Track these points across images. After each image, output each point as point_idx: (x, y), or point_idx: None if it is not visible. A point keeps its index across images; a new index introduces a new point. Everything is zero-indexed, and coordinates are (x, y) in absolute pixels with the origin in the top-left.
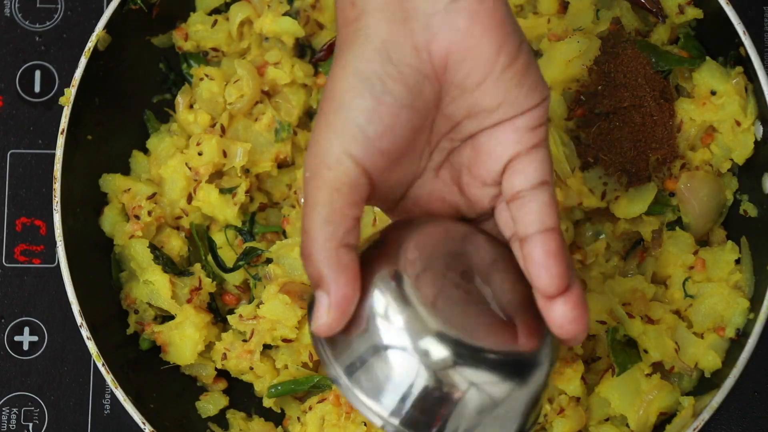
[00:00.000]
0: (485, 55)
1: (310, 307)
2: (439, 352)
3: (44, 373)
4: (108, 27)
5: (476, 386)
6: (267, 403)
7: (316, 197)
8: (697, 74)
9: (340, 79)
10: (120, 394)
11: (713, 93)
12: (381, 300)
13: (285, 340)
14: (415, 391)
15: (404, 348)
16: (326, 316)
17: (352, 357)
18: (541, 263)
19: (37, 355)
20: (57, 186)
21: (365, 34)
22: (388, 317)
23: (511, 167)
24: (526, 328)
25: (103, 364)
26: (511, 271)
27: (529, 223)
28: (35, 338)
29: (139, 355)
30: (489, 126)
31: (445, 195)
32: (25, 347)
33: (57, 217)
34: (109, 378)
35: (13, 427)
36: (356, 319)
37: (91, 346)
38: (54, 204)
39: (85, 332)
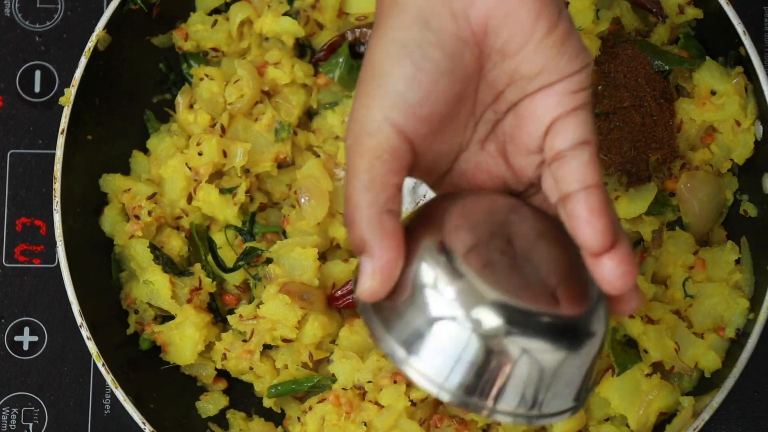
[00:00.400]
0: (523, 21)
1: (355, 279)
2: (491, 320)
3: (44, 373)
4: (108, 27)
5: (530, 353)
6: (267, 403)
7: (357, 165)
8: (697, 74)
9: (378, 48)
10: (120, 394)
11: (713, 93)
12: (428, 269)
13: (285, 340)
14: (470, 360)
15: (455, 317)
16: (370, 280)
17: (404, 329)
18: (584, 219)
19: (37, 355)
20: (57, 186)
21: (403, 3)
22: (437, 287)
23: (551, 130)
24: (569, 294)
25: (103, 364)
26: (558, 242)
27: (571, 182)
28: (35, 338)
29: (139, 355)
30: (531, 92)
31: (491, 167)
32: (25, 347)
33: (57, 217)
34: (109, 378)
35: (13, 427)
36: (404, 289)
37: (91, 346)
38: (54, 204)
39: (85, 332)
